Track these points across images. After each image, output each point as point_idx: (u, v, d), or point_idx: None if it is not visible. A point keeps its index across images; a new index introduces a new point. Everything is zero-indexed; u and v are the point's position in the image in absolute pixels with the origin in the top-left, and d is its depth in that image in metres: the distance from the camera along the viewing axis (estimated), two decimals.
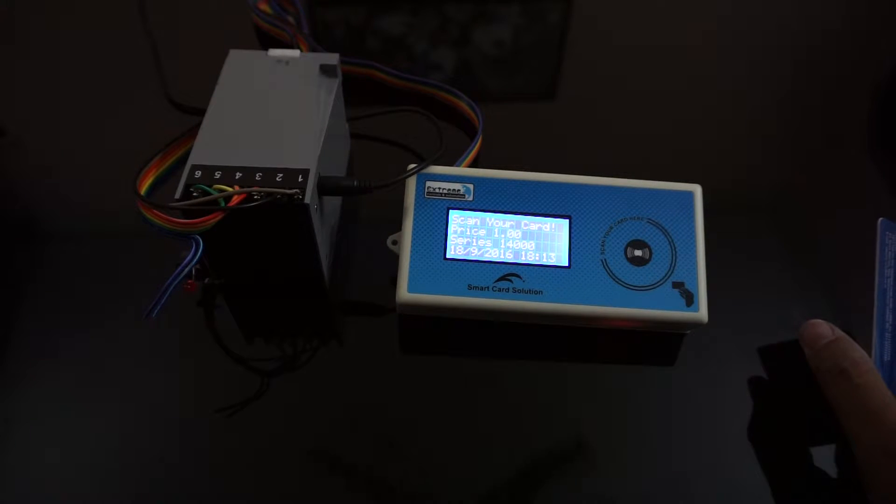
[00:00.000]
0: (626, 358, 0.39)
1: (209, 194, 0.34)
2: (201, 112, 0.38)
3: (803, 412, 0.38)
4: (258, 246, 0.38)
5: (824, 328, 0.37)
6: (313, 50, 0.51)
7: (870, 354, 0.36)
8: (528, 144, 0.50)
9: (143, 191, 0.38)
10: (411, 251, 0.38)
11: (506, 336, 0.39)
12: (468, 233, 0.39)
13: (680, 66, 0.56)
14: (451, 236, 0.38)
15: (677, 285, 0.38)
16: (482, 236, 0.39)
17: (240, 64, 0.41)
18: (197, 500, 0.34)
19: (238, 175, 0.35)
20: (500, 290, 0.37)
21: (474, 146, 0.46)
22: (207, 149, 0.36)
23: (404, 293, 0.37)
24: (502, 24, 0.59)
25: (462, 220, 0.39)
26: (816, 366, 0.36)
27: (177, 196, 0.34)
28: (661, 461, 0.36)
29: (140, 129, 0.48)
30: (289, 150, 0.36)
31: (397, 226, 0.39)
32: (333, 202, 0.42)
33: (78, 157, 0.48)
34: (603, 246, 0.39)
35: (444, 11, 0.60)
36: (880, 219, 0.36)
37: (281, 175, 0.35)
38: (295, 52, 0.42)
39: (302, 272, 0.40)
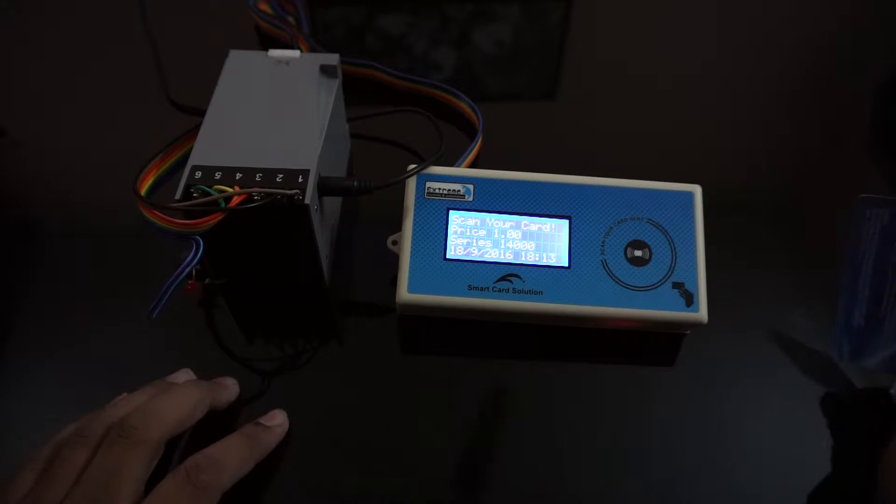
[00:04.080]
0: (626, 358, 0.39)
1: (209, 195, 0.34)
2: (201, 112, 0.38)
3: (803, 412, 0.38)
4: (258, 246, 0.38)
5: None
6: (313, 50, 0.51)
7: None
8: (528, 144, 0.50)
9: (143, 191, 0.38)
10: (411, 251, 0.38)
11: (506, 336, 0.39)
12: (468, 233, 0.39)
13: (680, 67, 0.56)
14: (451, 237, 0.38)
15: (677, 285, 0.38)
16: (482, 237, 0.39)
17: (240, 64, 0.41)
18: None
19: (238, 175, 0.35)
20: (500, 290, 0.37)
21: (474, 146, 0.46)
22: (208, 149, 0.36)
23: (404, 293, 0.37)
24: (502, 23, 0.59)
25: (462, 221, 0.39)
26: None
27: (177, 197, 0.34)
28: (661, 461, 0.36)
29: (140, 129, 0.48)
30: (289, 151, 0.36)
31: (397, 226, 0.39)
32: (333, 202, 0.42)
33: (78, 157, 0.48)
34: (603, 246, 0.39)
35: (444, 11, 0.60)
36: (863, 195, 0.36)
37: (281, 175, 0.35)
38: (295, 53, 0.42)
39: (302, 272, 0.40)
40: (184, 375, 0.36)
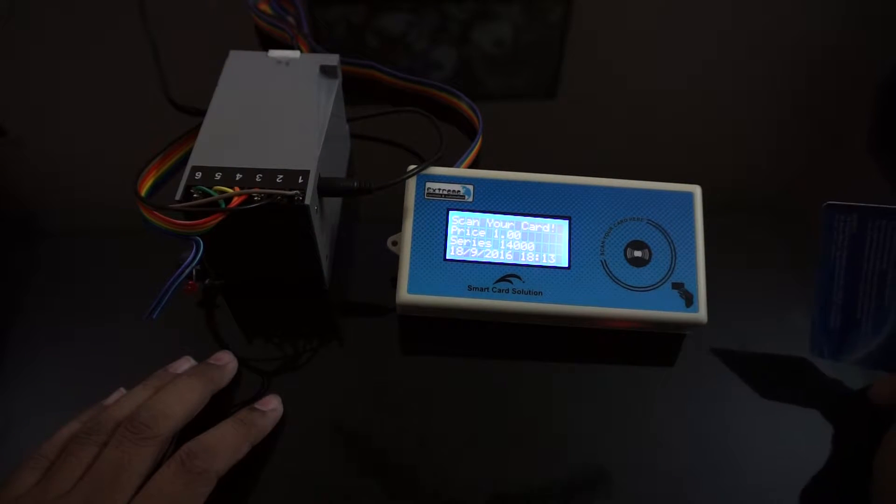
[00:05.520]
0: (626, 358, 0.39)
1: (209, 195, 0.34)
2: (201, 113, 0.38)
3: (803, 411, 0.38)
4: (259, 247, 0.38)
5: None
6: (313, 50, 0.51)
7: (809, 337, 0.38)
8: (528, 144, 0.50)
9: (143, 192, 0.38)
10: (411, 252, 0.38)
11: (506, 337, 0.39)
12: (468, 234, 0.39)
13: (680, 67, 0.56)
14: (451, 237, 0.38)
15: (677, 286, 0.38)
16: (482, 237, 0.39)
17: (240, 64, 0.41)
18: None
19: (238, 176, 0.35)
20: (499, 290, 0.37)
21: (474, 146, 0.46)
22: (208, 150, 0.36)
23: (404, 294, 0.37)
24: (502, 23, 0.59)
25: (462, 221, 0.39)
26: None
27: (177, 197, 0.34)
28: (661, 461, 0.36)
29: (140, 129, 0.48)
30: (289, 152, 0.36)
31: (397, 226, 0.39)
32: (334, 203, 0.42)
33: (78, 157, 0.48)
34: (603, 247, 0.39)
35: (444, 11, 0.60)
36: (827, 202, 0.36)
37: (281, 176, 0.35)
38: (295, 53, 0.42)
39: (302, 273, 0.40)
40: (185, 363, 0.36)
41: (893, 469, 0.32)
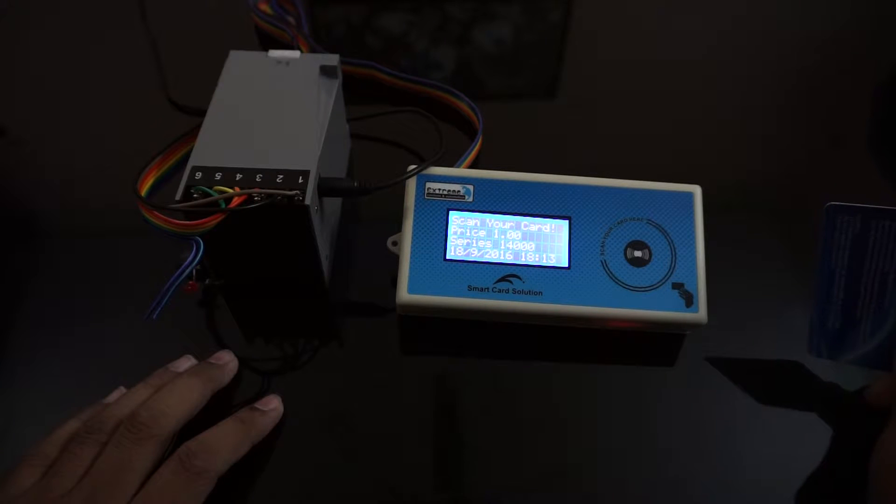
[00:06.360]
0: (626, 358, 0.39)
1: (210, 195, 0.34)
2: (201, 113, 0.38)
3: (802, 412, 0.38)
4: (259, 247, 0.38)
5: None
6: (313, 50, 0.51)
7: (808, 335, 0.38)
8: (528, 144, 0.50)
9: (143, 192, 0.38)
10: (411, 252, 0.38)
11: (506, 336, 0.39)
12: (468, 234, 0.39)
13: (680, 66, 0.56)
14: (451, 237, 0.38)
15: (677, 286, 0.38)
16: (482, 237, 0.39)
17: (240, 64, 0.41)
18: None
19: (238, 176, 0.35)
20: (500, 290, 0.37)
21: (474, 147, 0.46)
22: (208, 150, 0.36)
23: (404, 294, 0.37)
24: (503, 23, 0.59)
25: (462, 221, 0.39)
26: None
27: (177, 197, 0.34)
28: (661, 462, 0.36)
29: (140, 129, 0.48)
30: (289, 152, 0.36)
31: (397, 226, 0.39)
32: (334, 203, 0.42)
33: (78, 157, 0.48)
34: (603, 247, 0.39)
35: (445, 10, 0.60)
36: (830, 203, 0.36)
37: (281, 176, 0.35)
38: (295, 53, 0.42)
39: (302, 273, 0.40)
40: (186, 362, 0.36)
41: (888, 470, 0.32)
